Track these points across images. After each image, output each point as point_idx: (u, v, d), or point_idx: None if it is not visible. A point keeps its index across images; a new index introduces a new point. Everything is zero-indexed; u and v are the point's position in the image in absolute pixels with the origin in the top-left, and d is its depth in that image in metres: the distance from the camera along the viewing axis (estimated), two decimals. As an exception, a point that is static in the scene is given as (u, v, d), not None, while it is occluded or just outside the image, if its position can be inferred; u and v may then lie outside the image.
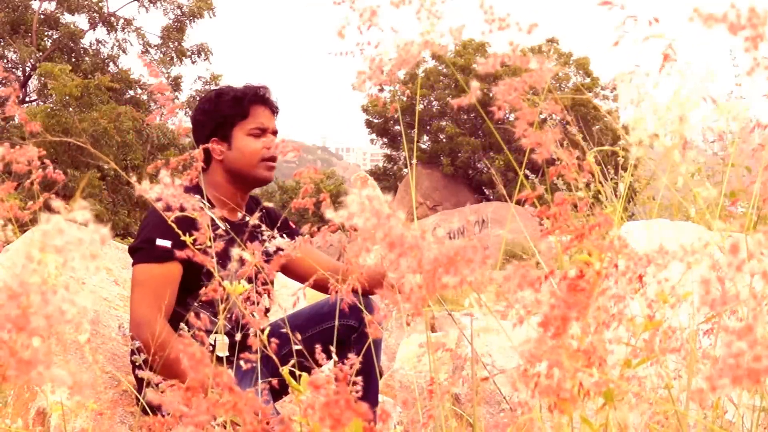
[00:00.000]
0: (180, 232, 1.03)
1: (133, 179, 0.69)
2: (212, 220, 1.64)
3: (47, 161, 1.09)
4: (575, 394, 0.59)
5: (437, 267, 0.56)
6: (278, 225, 2.17)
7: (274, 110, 2.13)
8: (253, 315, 1.06)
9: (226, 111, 2.06)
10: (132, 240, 2.27)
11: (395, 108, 1.16)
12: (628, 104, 0.67)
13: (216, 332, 1.96)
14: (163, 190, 0.70)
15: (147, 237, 1.91)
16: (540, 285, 0.61)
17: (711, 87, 0.69)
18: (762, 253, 0.49)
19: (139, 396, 2.00)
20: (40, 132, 1.01)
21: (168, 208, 0.76)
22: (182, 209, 0.81)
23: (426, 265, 0.56)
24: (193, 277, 1.90)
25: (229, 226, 1.65)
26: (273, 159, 2.08)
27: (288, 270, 2.18)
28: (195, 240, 1.00)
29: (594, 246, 0.64)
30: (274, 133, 2.11)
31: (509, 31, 0.67)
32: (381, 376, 2.38)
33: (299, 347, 1.16)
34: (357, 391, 1.11)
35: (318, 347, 1.29)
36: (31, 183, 1.10)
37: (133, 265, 1.94)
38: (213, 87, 18.99)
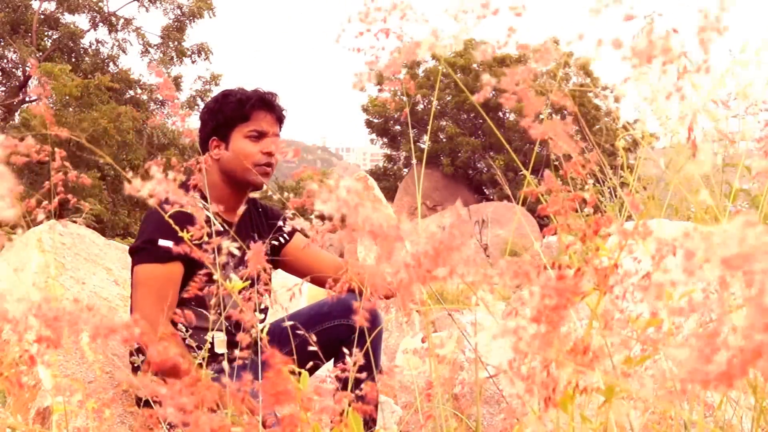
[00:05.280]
0: (177, 228, 1.03)
1: (130, 175, 0.68)
2: (208, 218, 1.64)
3: (67, 164, 1.08)
4: (570, 391, 0.59)
5: (424, 258, 0.55)
6: (276, 223, 2.18)
7: (279, 117, 2.11)
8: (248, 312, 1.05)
9: (228, 112, 2.05)
10: (132, 240, 2.27)
11: (406, 113, 1.15)
12: (638, 102, 0.67)
13: (214, 329, 1.97)
14: (155, 186, 0.69)
15: (149, 238, 1.90)
16: (532, 277, 0.61)
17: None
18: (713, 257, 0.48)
19: (139, 396, 2.00)
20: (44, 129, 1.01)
21: (164, 202, 0.76)
22: (178, 205, 0.81)
23: (411, 257, 0.55)
24: (193, 277, 1.90)
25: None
26: (268, 165, 2.07)
27: (289, 267, 2.18)
28: (192, 236, 1.00)
29: (618, 231, 0.64)
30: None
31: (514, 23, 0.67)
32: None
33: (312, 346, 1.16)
34: (361, 389, 1.10)
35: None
36: (54, 186, 1.09)
37: (134, 265, 1.93)
38: (213, 87, 19.03)
